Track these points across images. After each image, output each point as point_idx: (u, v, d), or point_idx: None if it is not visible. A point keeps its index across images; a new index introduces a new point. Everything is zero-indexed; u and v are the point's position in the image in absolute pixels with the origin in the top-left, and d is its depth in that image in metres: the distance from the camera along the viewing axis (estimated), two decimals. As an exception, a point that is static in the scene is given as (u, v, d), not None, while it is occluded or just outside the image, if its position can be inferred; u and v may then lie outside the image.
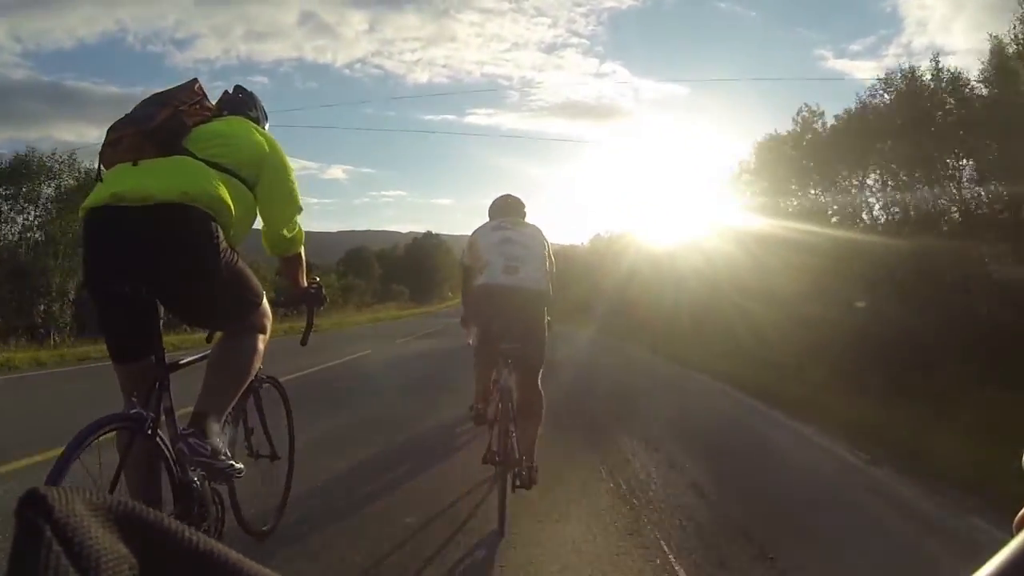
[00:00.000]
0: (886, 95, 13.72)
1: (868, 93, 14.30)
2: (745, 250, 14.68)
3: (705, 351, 11.88)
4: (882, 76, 14.10)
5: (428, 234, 78.18)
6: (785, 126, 17.60)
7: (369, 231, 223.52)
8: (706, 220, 21.64)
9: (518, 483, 3.11)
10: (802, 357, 9.26)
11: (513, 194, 3.93)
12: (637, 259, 24.57)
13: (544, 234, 3.61)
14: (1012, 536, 0.36)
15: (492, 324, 3.33)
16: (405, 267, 69.21)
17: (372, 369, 10.33)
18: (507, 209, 3.79)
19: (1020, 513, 0.38)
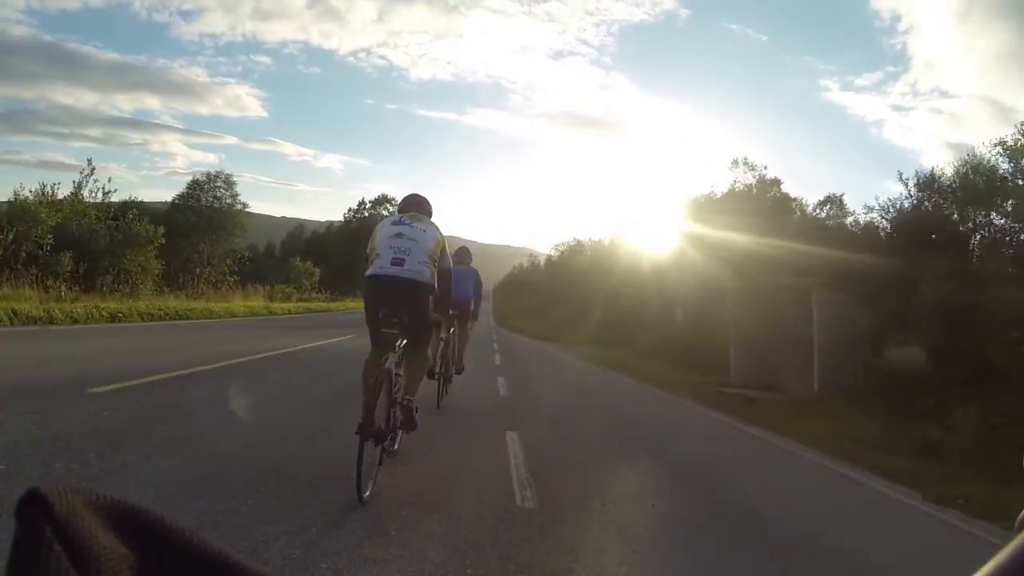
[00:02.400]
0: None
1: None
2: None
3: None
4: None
5: (382, 199, 58.63)
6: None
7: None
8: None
9: (395, 447, 4.06)
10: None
11: (420, 193, 4.48)
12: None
13: (439, 231, 4.16)
14: (1013, 536, 0.37)
15: (380, 310, 3.78)
16: (335, 246, 51.84)
17: None
18: (410, 206, 4.33)
19: (1021, 514, 0.39)
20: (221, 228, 30.61)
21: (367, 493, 3.30)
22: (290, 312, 24.48)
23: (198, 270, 27.03)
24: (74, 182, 20.11)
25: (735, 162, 31.23)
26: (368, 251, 3.98)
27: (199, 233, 28.54)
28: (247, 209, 32.24)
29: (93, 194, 20.30)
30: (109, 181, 20.93)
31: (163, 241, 21.44)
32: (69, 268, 17.23)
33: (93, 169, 20.35)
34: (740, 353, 15.08)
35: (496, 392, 8.61)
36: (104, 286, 18.23)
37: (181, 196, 31.93)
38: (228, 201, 32.04)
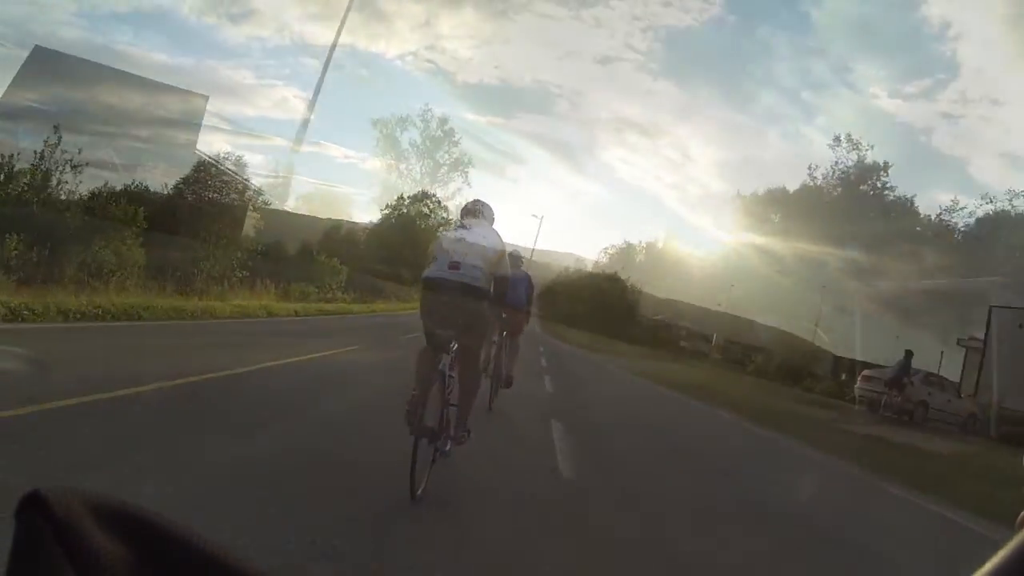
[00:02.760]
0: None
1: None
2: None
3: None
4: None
5: (420, 195, 55.14)
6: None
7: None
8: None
9: (448, 447, 3.97)
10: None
11: (482, 200, 4.59)
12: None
13: (500, 238, 4.21)
14: (1013, 535, 0.36)
15: (435, 313, 3.88)
16: (370, 244, 49.40)
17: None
18: (471, 213, 4.41)
19: (1022, 514, 0.39)
20: (228, 216, 27.27)
21: (419, 491, 3.41)
22: (296, 313, 21.19)
23: (202, 264, 24.13)
24: (35, 152, 17.05)
25: (836, 139, 28.02)
26: (427, 255, 4.15)
27: (201, 221, 25.53)
28: (261, 197, 29.30)
29: (60, 167, 17.34)
30: (80, 152, 17.91)
31: (145, 225, 18.42)
32: (16, 252, 14.29)
33: (60, 138, 17.36)
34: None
35: (552, 460, 5.28)
36: (65, 277, 15.26)
37: (184, 180, 28.17)
38: (239, 187, 28.54)
